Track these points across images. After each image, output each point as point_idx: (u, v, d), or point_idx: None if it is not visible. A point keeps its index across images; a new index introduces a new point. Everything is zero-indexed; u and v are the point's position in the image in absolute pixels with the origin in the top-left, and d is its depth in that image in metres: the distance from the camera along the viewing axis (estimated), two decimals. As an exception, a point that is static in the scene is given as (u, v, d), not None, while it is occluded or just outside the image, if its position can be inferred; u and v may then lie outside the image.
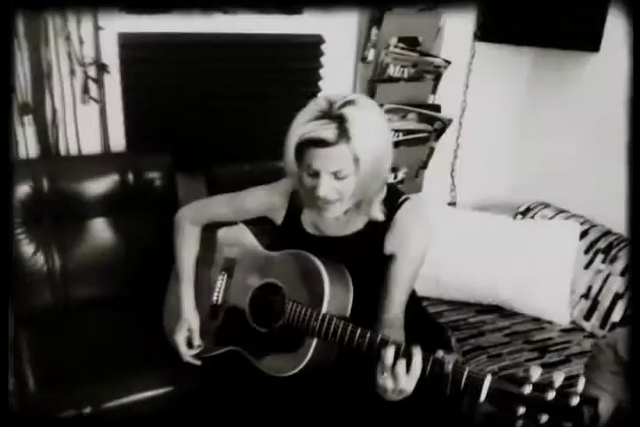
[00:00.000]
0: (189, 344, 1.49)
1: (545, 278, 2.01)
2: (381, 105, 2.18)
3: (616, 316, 1.90)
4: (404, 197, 1.34)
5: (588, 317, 1.98)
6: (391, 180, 2.40)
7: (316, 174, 1.22)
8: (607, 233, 2.04)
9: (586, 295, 1.99)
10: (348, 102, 1.19)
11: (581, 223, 2.09)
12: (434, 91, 2.29)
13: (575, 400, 0.92)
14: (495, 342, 1.86)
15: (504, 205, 2.44)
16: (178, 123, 1.99)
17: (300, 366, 1.28)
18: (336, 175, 1.21)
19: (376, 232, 1.34)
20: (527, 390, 0.95)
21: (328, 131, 1.17)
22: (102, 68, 1.81)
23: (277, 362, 1.33)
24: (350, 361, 1.28)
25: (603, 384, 1.17)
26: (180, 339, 1.47)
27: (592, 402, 0.93)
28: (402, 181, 2.41)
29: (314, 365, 1.30)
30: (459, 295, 2.08)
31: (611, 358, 1.19)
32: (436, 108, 2.31)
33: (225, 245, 1.55)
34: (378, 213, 1.33)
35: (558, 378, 0.96)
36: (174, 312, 1.59)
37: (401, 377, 1.09)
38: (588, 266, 2.01)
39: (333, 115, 1.18)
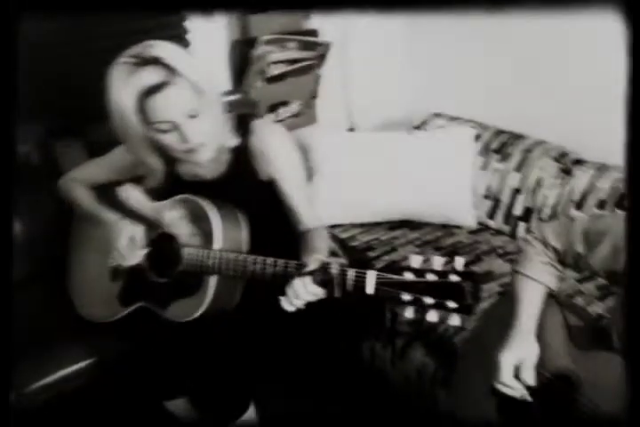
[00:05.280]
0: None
1: (447, 185, 2.04)
2: (257, 38, 2.11)
3: (517, 210, 1.97)
4: (251, 122, 1.32)
5: (492, 215, 2.04)
6: (286, 114, 2.35)
7: (171, 128, 1.16)
8: (499, 133, 2.08)
9: (487, 195, 2.05)
10: (149, 46, 1.14)
11: (474, 127, 2.12)
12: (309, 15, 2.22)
13: (454, 278, 0.94)
14: (408, 254, 1.89)
15: (401, 122, 2.44)
16: (49, 89, 1.84)
17: (205, 306, 1.26)
18: (190, 115, 1.16)
19: (243, 162, 1.32)
20: (409, 276, 0.96)
21: (157, 73, 1.12)
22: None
23: (182, 307, 1.31)
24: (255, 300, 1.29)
25: (534, 275, 1.21)
26: (123, 241, 1.33)
27: (471, 277, 0.95)
28: (297, 115, 2.36)
29: (218, 306, 1.29)
30: (368, 217, 2.09)
31: (540, 249, 1.22)
32: (313, 33, 2.24)
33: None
34: (231, 142, 1.31)
35: (436, 262, 0.97)
36: (80, 283, 1.55)
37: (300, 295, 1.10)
38: (485, 167, 2.05)
39: (148, 58, 1.12)
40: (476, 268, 1.79)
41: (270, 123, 1.34)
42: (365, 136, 2.24)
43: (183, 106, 1.15)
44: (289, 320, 1.20)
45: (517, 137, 2.04)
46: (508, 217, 1.99)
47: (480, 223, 2.07)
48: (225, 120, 1.28)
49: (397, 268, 0.98)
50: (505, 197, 2.00)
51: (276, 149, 1.31)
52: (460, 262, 0.96)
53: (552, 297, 1.21)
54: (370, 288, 0.99)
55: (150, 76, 1.11)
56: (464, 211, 2.05)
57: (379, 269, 1.00)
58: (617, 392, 0.99)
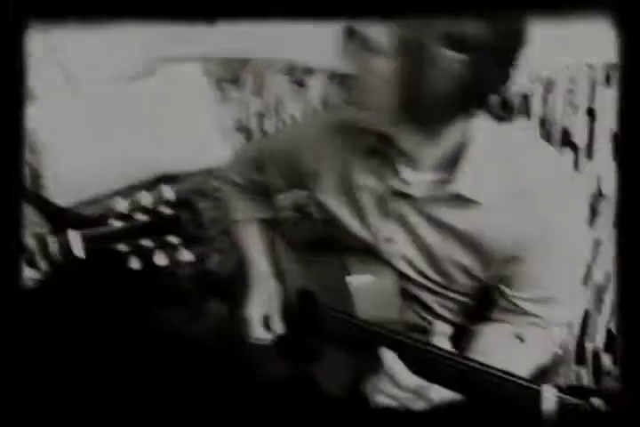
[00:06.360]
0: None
1: (191, 128, 1.92)
2: None
3: (269, 126, 1.91)
4: None
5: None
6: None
7: None
8: (225, 62, 1.99)
9: (236, 127, 1.97)
10: None
11: (198, 62, 1.99)
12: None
13: (165, 210, 0.84)
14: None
15: (126, 73, 2.22)
16: None
17: None
18: None
19: None
20: (117, 224, 0.83)
21: None
22: None
23: None
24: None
25: (237, 216, 1.20)
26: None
27: (186, 204, 0.85)
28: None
29: None
30: (121, 182, 1.88)
31: (227, 189, 1.21)
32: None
33: None
34: None
35: (143, 198, 0.85)
36: None
37: None
38: (224, 100, 1.96)
39: None
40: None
41: None
42: (89, 98, 2.00)
43: None
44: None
45: (244, 61, 1.96)
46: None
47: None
48: None
49: (103, 218, 0.84)
50: (253, 125, 1.93)
51: None
52: (167, 192, 0.85)
53: (267, 224, 1.20)
54: (78, 250, 0.84)
55: None
56: (216, 150, 1.94)
57: (84, 227, 0.85)
58: (344, 293, 0.97)
